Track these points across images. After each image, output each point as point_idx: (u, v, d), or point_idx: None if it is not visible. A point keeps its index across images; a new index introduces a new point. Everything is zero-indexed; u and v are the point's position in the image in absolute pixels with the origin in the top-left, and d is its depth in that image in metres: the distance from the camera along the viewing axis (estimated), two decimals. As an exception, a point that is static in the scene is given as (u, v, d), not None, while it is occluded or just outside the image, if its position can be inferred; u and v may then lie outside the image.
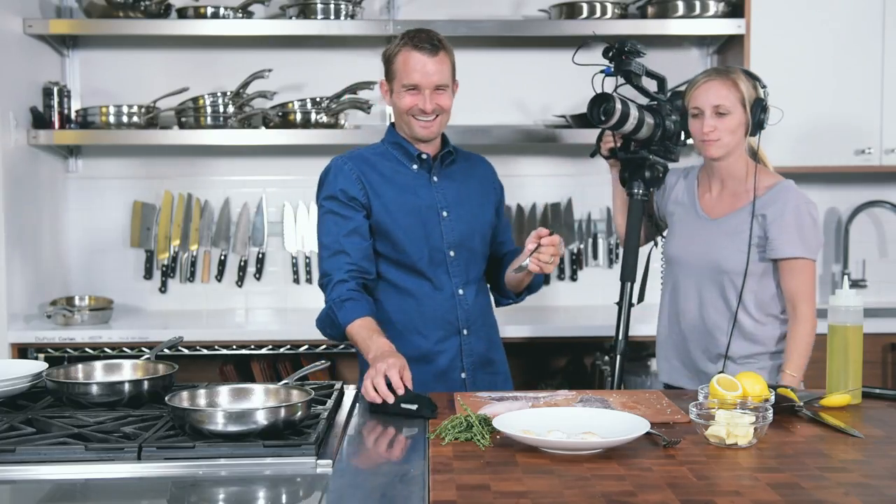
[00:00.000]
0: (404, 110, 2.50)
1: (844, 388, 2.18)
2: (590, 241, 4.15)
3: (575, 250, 4.13)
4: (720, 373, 2.28)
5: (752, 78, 2.66)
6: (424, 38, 2.48)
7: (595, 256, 4.15)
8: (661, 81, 2.81)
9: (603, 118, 2.59)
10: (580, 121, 3.90)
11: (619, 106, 2.57)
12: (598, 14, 3.84)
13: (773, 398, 2.00)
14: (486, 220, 2.66)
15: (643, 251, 2.86)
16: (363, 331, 2.36)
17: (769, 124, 2.65)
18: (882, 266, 4.18)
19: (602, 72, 2.66)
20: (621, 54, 2.65)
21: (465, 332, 2.57)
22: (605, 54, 2.68)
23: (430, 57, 2.47)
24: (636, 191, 2.74)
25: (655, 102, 2.72)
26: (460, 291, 2.56)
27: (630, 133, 2.67)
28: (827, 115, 3.83)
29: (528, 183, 4.15)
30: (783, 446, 1.88)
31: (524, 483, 1.65)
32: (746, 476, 1.69)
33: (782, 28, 3.78)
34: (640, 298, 2.81)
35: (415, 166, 2.57)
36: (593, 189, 4.15)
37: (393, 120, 2.63)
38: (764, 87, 2.66)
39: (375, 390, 2.13)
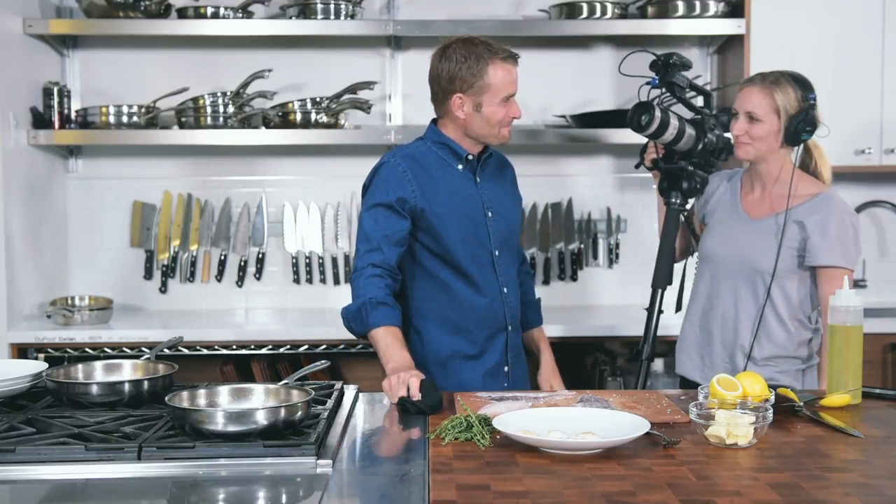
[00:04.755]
0: (498, 121, 2.54)
1: (844, 388, 2.18)
2: (590, 241, 4.15)
3: (575, 250, 4.13)
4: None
5: (801, 88, 2.70)
6: (504, 49, 2.53)
7: (595, 256, 4.15)
8: (707, 96, 2.87)
9: (643, 125, 2.63)
10: (580, 121, 3.90)
11: (658, 114, 2.63)
12: (598, 14, 3.84)
13: (773, 398, 2.00)
14: (518, 219, 2.78)
15: (682, 261, 2.92)
16: (389, 337, 2.39)
17: (818, 137, 2.70)
18: (882, 266, 4.18)
19: (648, 83, 2.70)
20: (666, 66, 2.70)
21: (509, 328, 2.65)
22: (651, 66, 2.73)
23: (516, 65, 2.56)
24: (673, 200, 2.81)
25: (700, 116, 2.75)
26: (505, 290, 2.62)
27: (670, 143, 2.71)
28: (826, 116, 3.81)
29: (529, 183, 4.10)
30: (783, 446, 1.88)
31: (524, 483, 1.65)
32: (746, 476, 1.69)
33: (782, 28, 3.78)
34: (678, 307, 2.85)
35: (460, 166, 2.61)
36: (593, 189, 4.15)
37: (437, 118, 2.63)
38: (812, 98, 2.69)
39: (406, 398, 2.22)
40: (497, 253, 2.62)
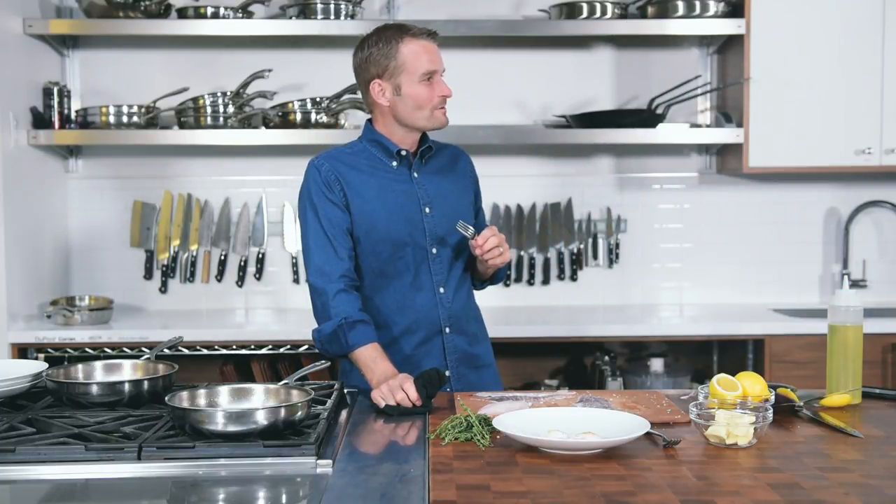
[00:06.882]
0: (425, 101, 2.42)
1: (844, 388, 2.18)
2: (590, 241, 4.14)
3: (575, 250, 4.13)
4: None
5: None
6: (417, 28, 2.45)
7: (595, 256, 4.15)
8: None
9: None
10: (580, 121, 3.90)
11: None
12: (598, 14, 3.84)
13: (773, 398, 2.00)
14: (467, 215, 2.58)
15: None
16: (371, 353, 2.32)
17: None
18: (882, 266, 4.18)
19: None
20: None
21: (446, 330, 2.51)
22: None
23: (435, 42, 2.46)
24: None
25: None
26: (441, 290, 2.50)
27: None
28: (827, 115, 3.83)
29: (528, 183, 4.15)
30: (783, 446, 1.88)
31: (524, 483, 1.65)
32: (746, 476, 1.69)
33: (782, 28, 3.78)
34: None
35: (394, 163, 2.50)
36: (593, 189, 4.15)
37: (371, 117, 2.53)
38: None
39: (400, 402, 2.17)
40: (434, 251, 2.49)
